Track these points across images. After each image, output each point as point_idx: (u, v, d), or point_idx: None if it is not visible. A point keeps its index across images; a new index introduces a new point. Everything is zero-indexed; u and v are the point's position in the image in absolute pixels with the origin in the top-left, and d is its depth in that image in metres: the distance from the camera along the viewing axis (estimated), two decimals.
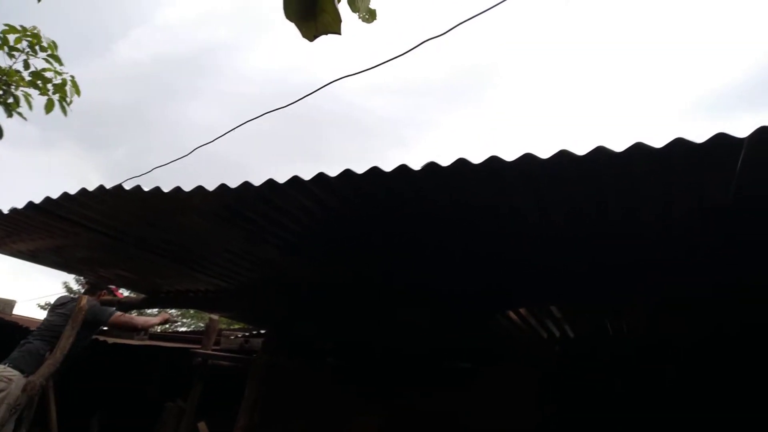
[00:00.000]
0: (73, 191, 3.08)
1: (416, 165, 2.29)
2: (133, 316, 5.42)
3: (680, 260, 2.99)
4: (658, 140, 1.93)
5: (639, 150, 1.96)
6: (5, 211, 3.59)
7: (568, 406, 5.30)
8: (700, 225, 2.55)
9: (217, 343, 6.09)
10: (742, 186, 2.10)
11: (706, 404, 4.66)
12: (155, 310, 8.79)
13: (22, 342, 4.84)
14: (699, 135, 1.90)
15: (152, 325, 5.76)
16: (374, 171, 2.36)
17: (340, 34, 1.71)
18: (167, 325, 9.16)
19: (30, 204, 3.33)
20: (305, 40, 1.74)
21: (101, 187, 2.93)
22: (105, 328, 6.66)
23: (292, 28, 1.60)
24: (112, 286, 5.71)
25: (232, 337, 6.32)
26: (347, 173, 2.40)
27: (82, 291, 6.12)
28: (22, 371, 4.54)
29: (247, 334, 6.47)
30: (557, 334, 5.01)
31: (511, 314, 4.51)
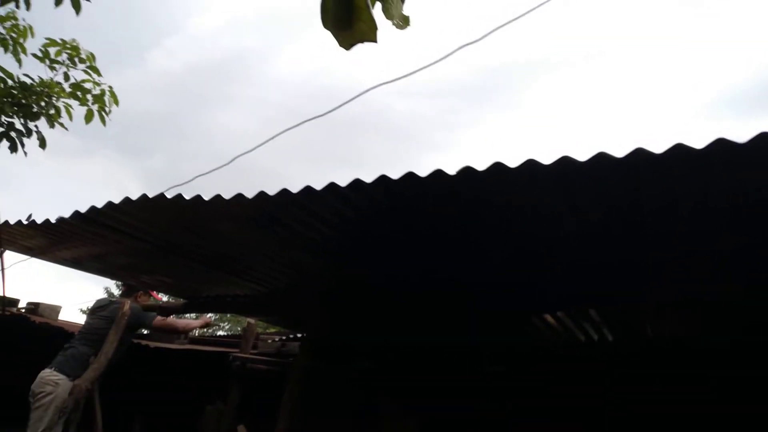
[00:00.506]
0: (113, 199, 3.18)
1: (451, 169, 2.31)
2: (175, 320, 5.53)
3: (716, 261, 2.94)
4: (696, 141, 1.91)
5: (679, 151, 1.94)
6: (52, 221, 3.71)
7: (603, 410, 5.23)
8: (739, 224, 2.50)
9: (254, 347, 6.17)
10: None
11: (750, 412, 4.55)
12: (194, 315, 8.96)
13: (65, 346, 4.96)
14: (738, 136, 1.87)
15: (193, 328, 5.88)
16: (410, 176, 2.38)
17: (376, 42, 1.74)
18: (206, 329, 9.31)
19: (76, 213, 3.44)
20: (341, 49, 1.77)
21: (144, 196, 3.01)
22: (146, 332, 6.82)
23: (321, 33, 1.63)
24: (151, 290, 5.83)
25: (270, 341, 6.40)
26: (383, 179, 2.43)
27: (120, 293, 6.27)
28: (67, 375, 4.67)
29: (284, 338, 6.55)
30: (595, 337, 4.95)
31: (548, 317, 4.47)
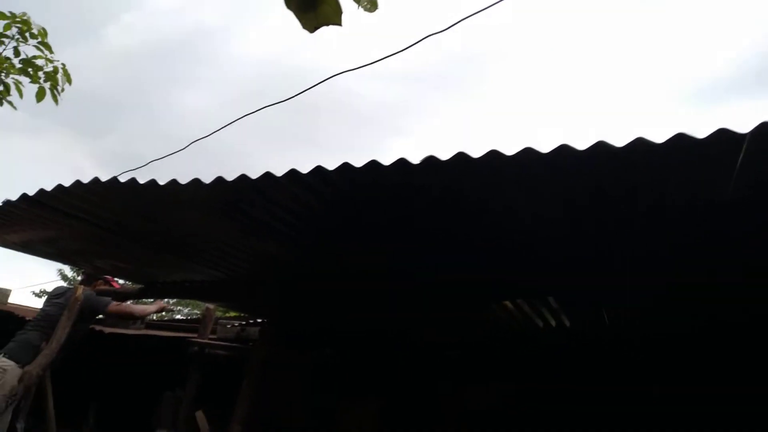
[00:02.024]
0: (64, 180, 3.04)
1: (414, 157, 2.28)
2: (130, 305, 5.40)
3: (675, 254, 3.00)
4: (657, 134, 1.93)
5: (640, 145, 1.94)
6: None
7: (556, 393, 5.34)
8: (697, 220, 2.55)
9: (213, 332, 6.09)
10: (741, 181, 2.09)
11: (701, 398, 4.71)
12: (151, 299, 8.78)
13: (18, 332, 4.81)
14: (696, 128, 1.89)
15: (149, 314, 5.75)
16: (373, 164, 2.34)
17: (341, 25, 1.69)
18: (164, 314, 9.14)
19: (24, 196, 3.29)
20: (305, 31, 1.72)
21: (96, 180, 2.90)
22: (101, 317, 6.65)
23: (287, 15, 1.57)
24: (108, 276, 5.68)
25: (229, 326, 6.32)
26: (345, 166, 2.38)
27: (79, 281, 6.09)
28: (17, 361, 4.52)
29: (243, 323, 6.47)
30: (553, 323, 5.02)
31: (507, 304, 4.52)
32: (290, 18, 1.60)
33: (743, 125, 1.80)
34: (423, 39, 1.68)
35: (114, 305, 5.07)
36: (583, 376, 5.29)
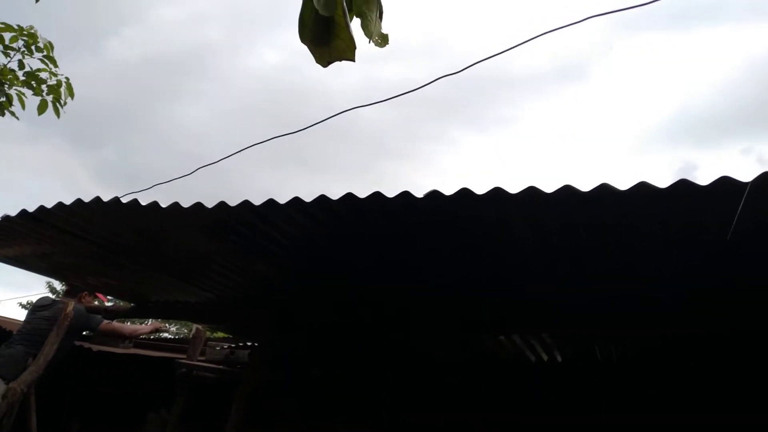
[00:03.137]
0: (59, 191, 3.18)
1: (417, 192, 2.30)
2: (123, 325, 5.35)
3: (673, 296, 3.02)
4: (661, 180, 1.96)
5: (642, 189, 1.97)
6: None
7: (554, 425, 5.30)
8: (697, 263, 2.58)
9: (202, 353, 6.02)
10: (740, 226, 2.12)
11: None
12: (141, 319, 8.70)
13: (2, 346, 4.74)
14: (701, 178, 1.92)
15: (141, 334, 5.69)
16: (376, 195, 2.35)
17: (353, 60, 1.71)
18: (155, 335, 9.06)
19: (23, 212, 3.28)
20: (318, 65, 1.74)
21: (97, 199, 2.89)
22: (87, 334, 6.58)
23: (287, 32, 1.59)
24: (97, 293, 5.63)
25: (218, 348, 6.24)
26: (349, 197, 2.40)
27: (63, 292, 6.03)
28: (2, 377, 4.45)
29: (233, 345, 6.41)
30: (545, 358, 5.02)
31: (502, 338, 4.52)
32: (292, 36, 1.62)
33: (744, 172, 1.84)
34: (436, 80, 1.71)
35: (106, 324, 5.02)
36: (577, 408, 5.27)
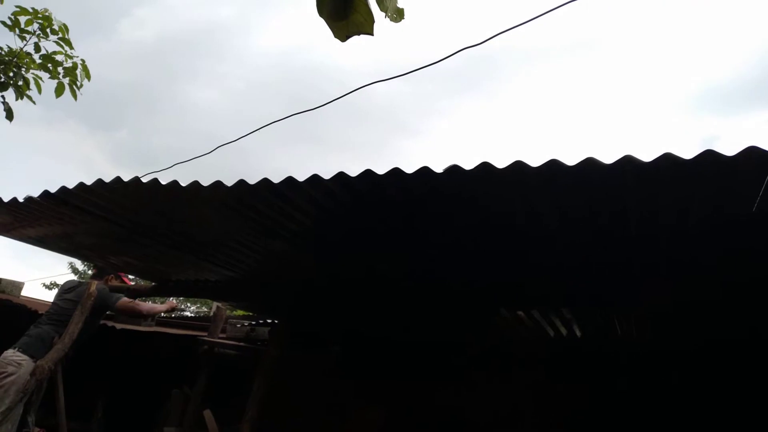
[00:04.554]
0: (76, 173, 3.18)
1: (436, 167, 2.28)
2: (138, 302, 5.42)
3: (692, 269, 2.99)
4: (684, 151, 1.93)
5: (666, 160, 1.94)
6: (20, 200, 3.58)
7: (569, 405, 5.32)
8: (717, 235, 2.54)
9: (223, 330, 6.10)
10: (765, 199, 2.08)
11: (710, 413, 4.67)
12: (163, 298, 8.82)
13: (31, 326, 4.85)
14: (725, 148, 1.88)
15: (157, 312, 5.78)
16: (395, 171, 2.34)
17: (372, 34, 1.69)
18: (172, 314, 9.19)
19: (45, 193, 3.32)
20: (336, 40, 1.72)
21: (118, 179, 2.92)
22: (111, 313, 6.69)
23: (302, 11, 1.58)
24: (120, 273, 5.71)
25: (239, 326, 6.32)
26: (368, 173, 2.39)
27: (90, 275, 6.11)
28: (31, 356, 4.55)
29: (253, 323, 6.48)
30: (564, 332, 5.01)
31: (520, 313, 4.51)
32: (305, 13, 1.60)
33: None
34: (457, 52, 1.69)
35: (123, 302, 5.10)
36: (594, 389, 5.27)
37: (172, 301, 6.29)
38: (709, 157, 1.89)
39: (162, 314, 6.39)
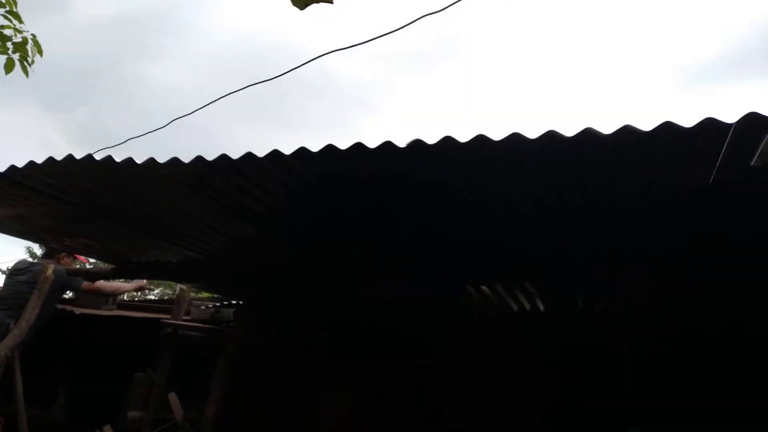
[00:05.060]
0: (33, 155, 2.97)
1: (400, 142, 2.25)
2: (105, 283, 5.31)
3: (656, 244, 3.04)
4: (645, 122, 1.93)
5: (626, 133, 1.95)
6: None
7: (535, 381, 5.42)
8: (679, 210, 2.58)
9: (187, 313, 6.01)
10: (722, 170, 2.11)
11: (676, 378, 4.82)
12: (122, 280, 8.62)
13: None
14: (685, 116, 1.89)
15: (123, 292, 5.67)
16: (358, 147, 2.30)
17: (331, 2, 1.64)
18: (138, 293, 9.03)
19: None
20: (295, 8, 1.67)
21: (70, 157, 2.81)
22: (70, 296, 6.53)
23: None
24: (75, 254, 5.57)
25: (203, 308, 6.23)
26: (330, 148, 2.34)
27: (41, 255, 5.94)
28: None
29: (217, 304, 6.41)
30: (528, 307, 5.08)
31: (485, 288, 4.55)
32: None
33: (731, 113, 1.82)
34: (418, 19, 1.65)
35: (88, 284, 4.99)
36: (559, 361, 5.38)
37: (140, 281, 6.18)
38: (667, 129, 1.90)
39: (125, 295, 6.29)
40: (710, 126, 1.83)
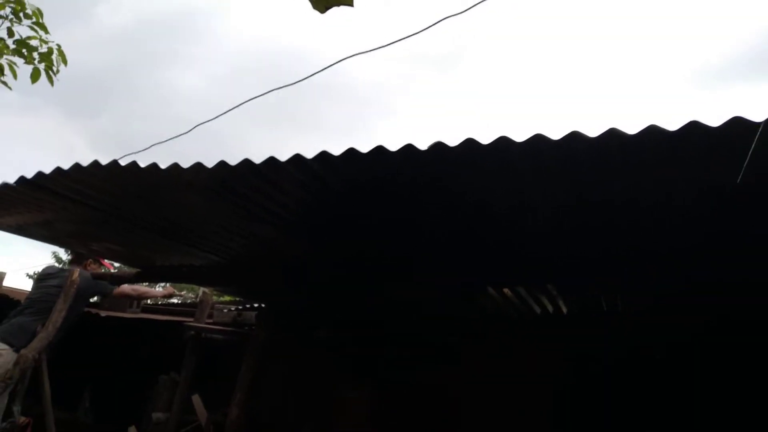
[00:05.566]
0: (57, 160, 3.02)
1: (421, 146, 2.25)
2: (136, 287, 5.38)
3: (678, 246, 3.00)
4: (670, 123, 1.90)
5: (652, 133, 1.92)
6: None
7: (556, 382, 5.37)
8: (705, 210, 2.54)
9: (209, 316, 6.07)
10: (751, 171, 2.07)
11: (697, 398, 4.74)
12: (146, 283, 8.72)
13: (11, 314, 4.79)
14: (710, 116, 1.86)
15: (155, 296, 5.75)
16: (378, 150, 2.30)
17: (352, 6, 1.64)
18: (170, 299, 9.16)
19: (22, 179, 3.24)
20: (315, 12, 1.66)
21: (96, 163, 2.85)
22: (97, 300, 6.63)
23: None
24: (100, 258, 5.64)
25: (225, 311, 6.29)
26: (351, 152, 2.35)
27: (68, 260, 6.04)
28: (11, 345, 4.51)
29: (239, 307, 6.46)
30: (551, 309, 5.04)
31: (506, 290, 4.52)
32: None
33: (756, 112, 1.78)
34: (440, 21, 1.64)
35: (119, 288, 5.08)
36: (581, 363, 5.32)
37: (169, 287, 6.26)
38: (694, 128, 1.88)
39: (149, 300, 6.37)
40: (737, 124, 1.80)
